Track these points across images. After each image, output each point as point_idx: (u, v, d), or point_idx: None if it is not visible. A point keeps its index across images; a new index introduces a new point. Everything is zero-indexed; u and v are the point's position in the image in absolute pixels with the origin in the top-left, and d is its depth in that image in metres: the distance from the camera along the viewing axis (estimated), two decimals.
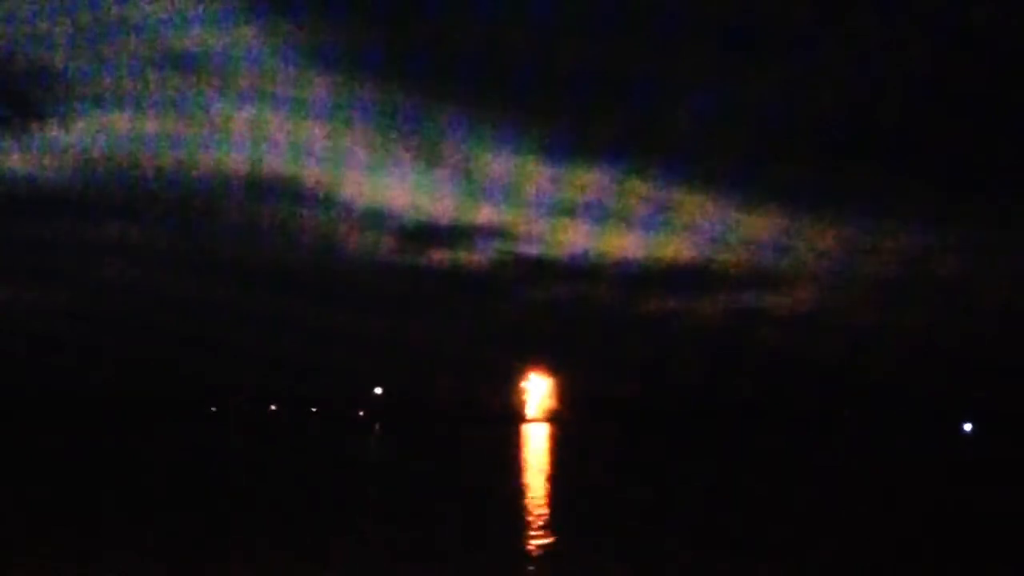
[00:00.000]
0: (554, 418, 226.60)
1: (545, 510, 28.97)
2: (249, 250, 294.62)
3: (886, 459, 66.54)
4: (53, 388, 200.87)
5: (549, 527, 24.38)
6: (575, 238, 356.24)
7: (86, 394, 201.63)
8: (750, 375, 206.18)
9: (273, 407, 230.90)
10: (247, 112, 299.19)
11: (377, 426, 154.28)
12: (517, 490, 36.45)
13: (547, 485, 39.86)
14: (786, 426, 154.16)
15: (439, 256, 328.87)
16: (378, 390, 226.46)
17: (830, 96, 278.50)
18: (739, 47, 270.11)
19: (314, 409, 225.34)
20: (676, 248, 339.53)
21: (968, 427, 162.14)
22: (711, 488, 39.14)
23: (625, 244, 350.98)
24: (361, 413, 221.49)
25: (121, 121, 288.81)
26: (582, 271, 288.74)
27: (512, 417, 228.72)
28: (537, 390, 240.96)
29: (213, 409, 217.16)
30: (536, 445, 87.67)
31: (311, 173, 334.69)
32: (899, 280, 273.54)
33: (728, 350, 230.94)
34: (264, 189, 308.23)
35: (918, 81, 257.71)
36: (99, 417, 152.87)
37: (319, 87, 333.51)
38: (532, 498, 33.04)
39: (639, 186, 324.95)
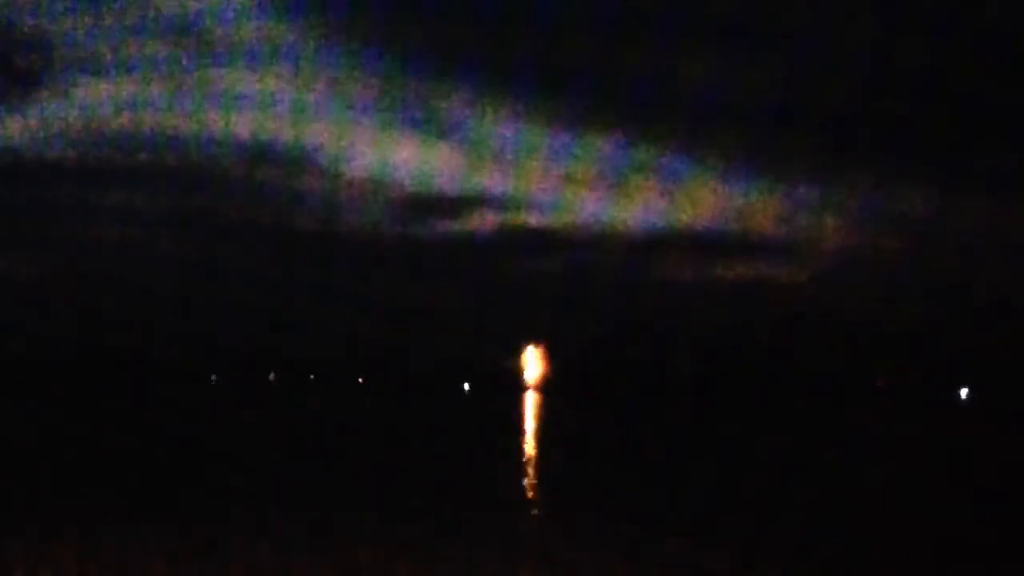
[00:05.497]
0: (559, 387, 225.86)
1: (546, 478, 28.67)
2: (251, 218, 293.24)
3: (904, 429, 65.76)
4: (55, 355, 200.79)
5: (550, 496, 24.19)
6: (582, 207, 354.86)
7: (88, 361, 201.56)
8: (761, 344, 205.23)
9: (272, 376, 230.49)
10: (250, 80, 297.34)
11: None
12: (519, 459, 36.37)
13: (549, 453, 39.89)
14: (799, 395, 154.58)
15: (443, 226, 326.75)
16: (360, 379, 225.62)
17: (841, 64, 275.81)
18: (754, 18, 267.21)
19: (312, 376, 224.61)
20: (686, 217, 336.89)
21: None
22: (725, 460, 38.72)
23: (633, 213, 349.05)
24: (360, 380, 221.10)
25: (122, 89, 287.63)
26: (589, 241, 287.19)
27: (516, 386, 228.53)
28: (542, 360, 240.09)
29: (213, 378, 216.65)
30: (540, 414, 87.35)
31: (314, 141, 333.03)
32: (911, 247, 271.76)
33: (739, 319, 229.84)
34: (267, 157, 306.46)
35: (928, 45, 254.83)
36: (100, 384, 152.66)
37: (323, 55, 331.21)
38: (533, 467, 32.95)
39: (648, 155, 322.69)
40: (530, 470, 31.18)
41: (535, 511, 21.91)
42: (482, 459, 36.73)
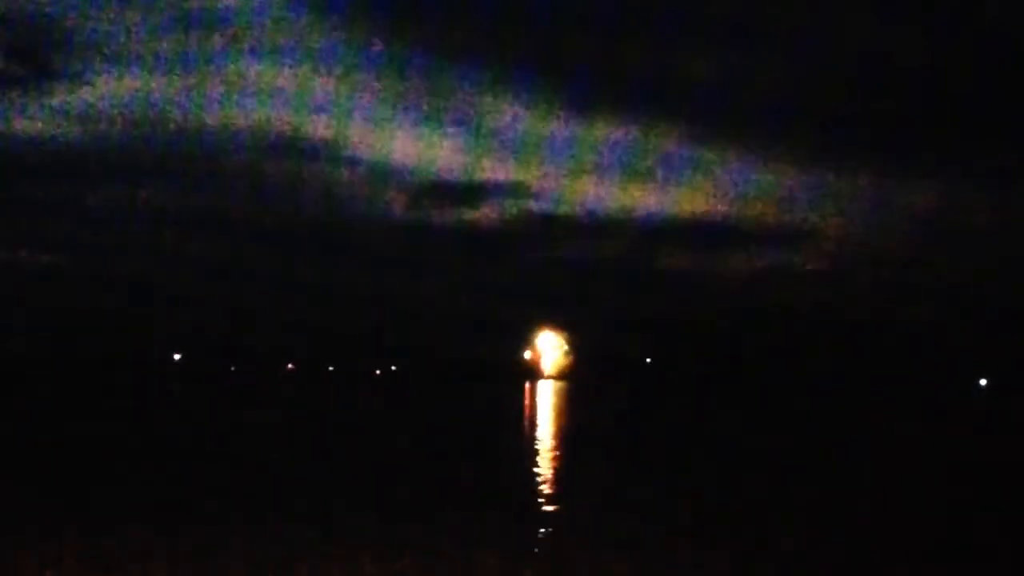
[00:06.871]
0: (569, 375, 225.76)
1: (547, 476, 28.46)
2: (257, 207, 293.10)
3: (918, 420, 65.59)
4: (62, 349, 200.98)
5: (552, 495, 23.99)
6: (592, 194, 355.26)
7: (94, 355, 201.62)
8: (773, 332, 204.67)
9: (290, 366, 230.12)
10: (255, 67, 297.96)
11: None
12: (526, 447, 36.80)
13: (557, 442, 40.30)
14: (811, 384, 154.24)
15: (450, 214, 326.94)
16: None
17: (841, 64, 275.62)
18: (754, 18, 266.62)
19: (331, 368, 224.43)
20: (697, 203, 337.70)
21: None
22: (733, 450, 38.68)
23: (644, 200, 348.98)
24: (378, 372, 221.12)
25: (132, 80, 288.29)
26: (599, 228, 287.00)
27: (526, 375, 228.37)
28: (552, 348, 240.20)
29: (232, 368, 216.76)
30: (548, 402, 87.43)
31: (319, 129, 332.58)
32: (924, 234, 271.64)
33: (751, 306, 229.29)
34: (272, 145, 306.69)
35: (928, 45, 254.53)
36: (100, 384, 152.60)
37: (327, 41, 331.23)
38: (542, 456, 33.26)
39: (658, 140, 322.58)
40: (531, 467, 31.20)
41: (536, 510, 21.92)
42: (483, 456, 36.76)
